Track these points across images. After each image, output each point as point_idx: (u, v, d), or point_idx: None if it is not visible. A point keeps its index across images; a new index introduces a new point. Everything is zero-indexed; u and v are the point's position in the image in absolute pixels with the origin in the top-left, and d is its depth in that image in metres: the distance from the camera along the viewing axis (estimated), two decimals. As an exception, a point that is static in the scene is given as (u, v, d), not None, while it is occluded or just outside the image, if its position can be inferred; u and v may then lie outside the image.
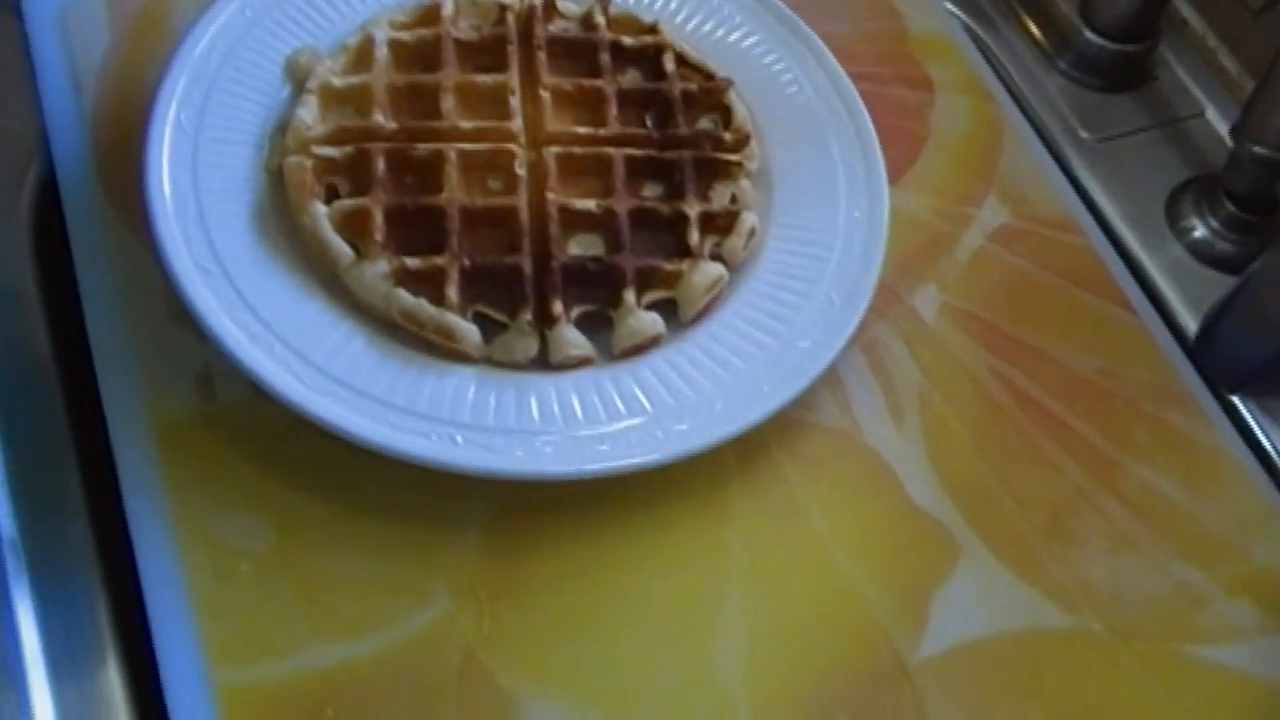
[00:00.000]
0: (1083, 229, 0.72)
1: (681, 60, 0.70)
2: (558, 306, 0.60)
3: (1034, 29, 0.84)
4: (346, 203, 0.62)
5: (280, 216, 0.63)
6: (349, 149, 0.64)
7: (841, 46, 0.73)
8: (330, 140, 0.64)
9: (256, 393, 0.57)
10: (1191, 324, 0.71)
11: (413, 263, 0.61)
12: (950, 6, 0.83)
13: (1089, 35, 0.81)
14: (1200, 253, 0.75)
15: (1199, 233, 0.75)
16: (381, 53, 0.67)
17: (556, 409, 0.59)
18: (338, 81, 0.66)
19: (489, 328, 0.61)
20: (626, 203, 0.64)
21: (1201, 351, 0.69)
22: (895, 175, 0.70)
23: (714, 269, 0.63)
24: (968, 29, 0.83)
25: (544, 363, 0.61)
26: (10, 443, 0.59)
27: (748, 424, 0.59)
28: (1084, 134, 0.79)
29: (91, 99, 0.68)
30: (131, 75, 0.69)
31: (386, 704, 0.53)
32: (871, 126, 0.69)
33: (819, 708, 0.55)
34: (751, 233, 0.65)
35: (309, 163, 0.63)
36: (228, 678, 0.53)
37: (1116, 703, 0.57)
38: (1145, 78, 0.83)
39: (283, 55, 0.68)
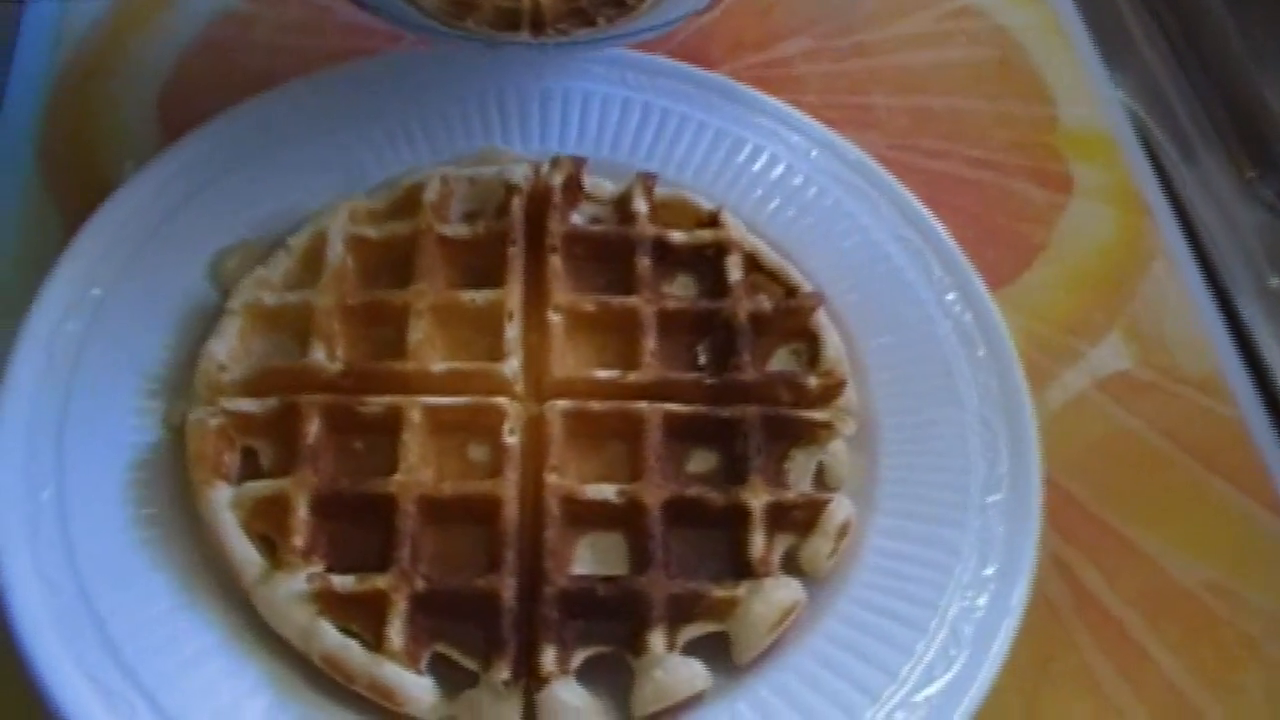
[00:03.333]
0: (1236, 398, 0.55)
1: (754, 263, 0.50)
2: (549, 659, 0.41)
3: (1234, 140, 0.65)
4: (259, 486, 0.44)
5: (179, 495, 0.45)
6: (274, 401, 0.45)
7: (970, 125, 0.61)
8: (250, 388, 0.46)
9: None
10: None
11: (344, 583, 0.42)
12: (1125, 99, 0.65)
13: None
14: None
15: None
16: (336, 254, 0.49)
17: (542, 812, 0.40)
18: (269, 299, 0.48)
19: (453, 674, 0.42)
20: (662, 489, 0.44)
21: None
22: (992, 286, 0.53)
23: (786, 594, 0.43)
24: (1142, 128, 0.65)
25: (530, 729, 0.41)
26: None
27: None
28: (1275, 281, 0.60)
29: (64, 60, 0.60)
30: (113, 47, 0.60)
31: None
32: (1018, 364, 0.49)
33: None
34: (844, 530, 0.45)
35: (214, 422, 0.45)
36: None
37: None
38: (1375, 221, 0.63)
39: (208, 254, 0.50)
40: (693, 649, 0.43)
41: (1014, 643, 0.44)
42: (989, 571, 0.45)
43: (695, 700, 0.42)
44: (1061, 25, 0.65)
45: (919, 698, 0.42)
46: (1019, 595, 0.44)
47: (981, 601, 0.44)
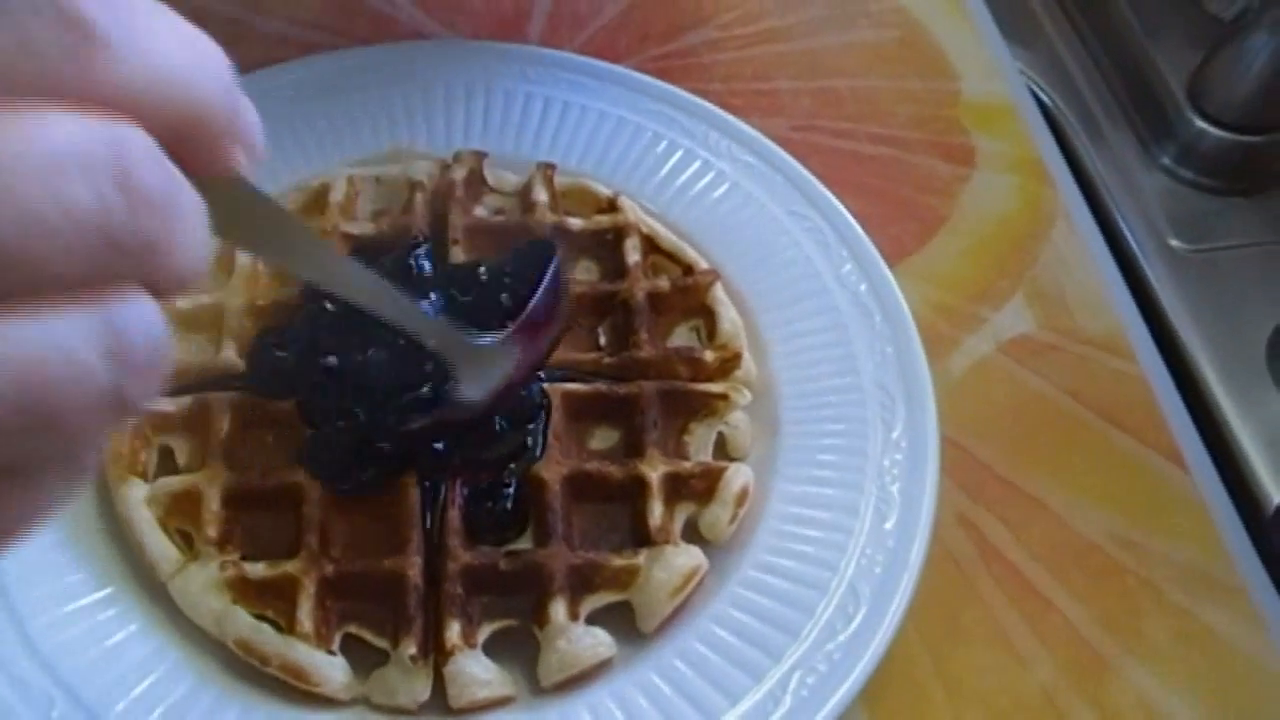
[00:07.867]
0: (1136, 354, 0.55)
1: (652, 245, 0.52)
2: (455, 633, 0.42)
3: (1133, 109, 0.66)
4: (172, 481, 0.45)
5: (98, 494, 0.46)
6: (187, 400, 0.47)
7: (873, 104, 0.61)
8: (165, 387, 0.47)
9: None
10: (1276, 497, 0.54)
11: (255, 570, 0.43)
12: (1027, 72, 0.67)
13: (1199, 123, 0.64)
14: (1313, 412, 0.56)
15: (1314, 387, 0.56)
16: (245, 257, 0.50)
17: (454, 780, 0.41)
18: (182, 301, 0.49)
19: (366, 654, 0.43)
20: (561, 465, 0.46)
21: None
22: (895, 258, 0.54)
23: (685, 560, 0.45)
24: (1044, 100, 0.67)
25: (443, 704, 0.43)
26: None
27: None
28: (1175, 242, 0.62)
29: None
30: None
31: None
32: (914, 330, 0.50)
33: None
34: (742, 497, 0.46)
35: (129, 420, 0.46)
36: None
37: None
38: (1272, 180, 0.64)
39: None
40: (601, 621, 0.44)
41: (921, 600, 0.45)
42: (887, 527, 0.46)
43: (603, 669, 0.44)
44: (962, 3, 0.66)
45: (819, 654, 0.43)
46: (917, 551, 0.45)
47: (880, 559, 0.45)
